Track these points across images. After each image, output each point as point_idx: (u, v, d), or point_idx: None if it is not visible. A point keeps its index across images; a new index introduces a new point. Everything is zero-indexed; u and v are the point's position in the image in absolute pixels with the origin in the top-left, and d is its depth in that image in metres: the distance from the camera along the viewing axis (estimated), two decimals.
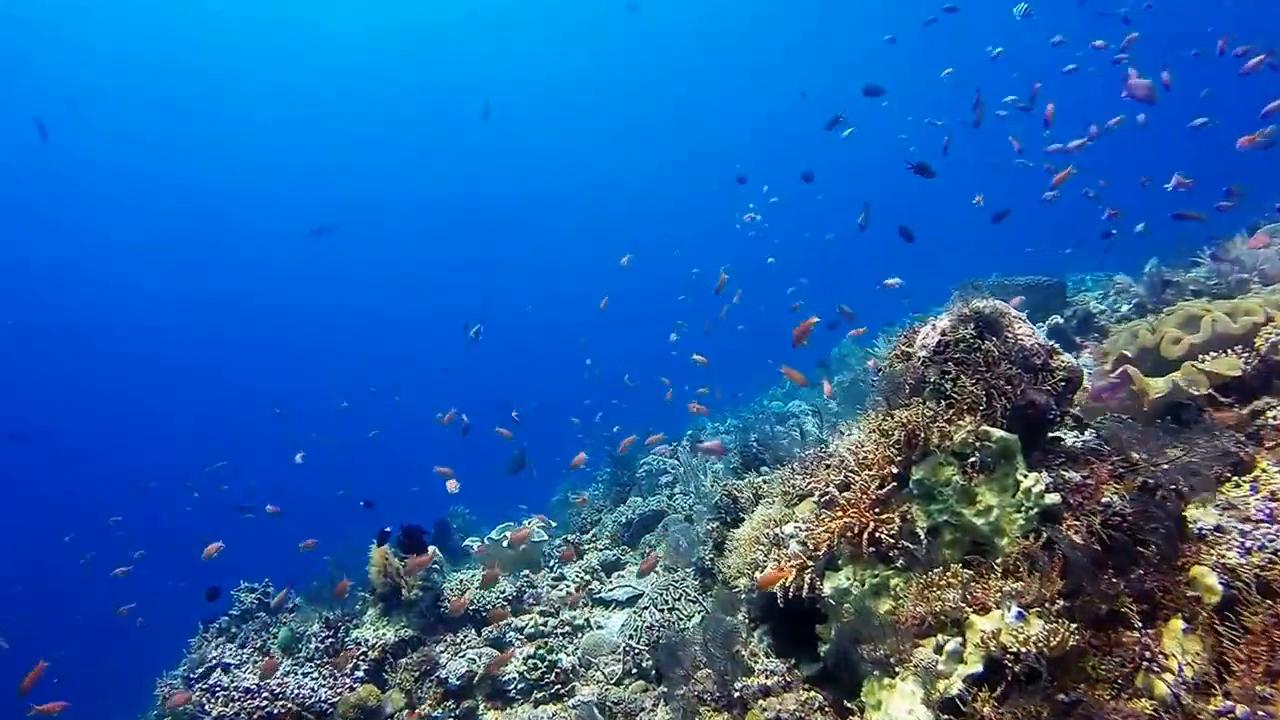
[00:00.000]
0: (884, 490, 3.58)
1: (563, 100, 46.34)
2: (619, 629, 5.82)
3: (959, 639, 3.05)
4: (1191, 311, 5.80)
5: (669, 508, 8.38)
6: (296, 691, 5.64)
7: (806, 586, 3.67)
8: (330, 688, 5.75)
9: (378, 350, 44.27)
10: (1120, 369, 5.20)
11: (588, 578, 6.90)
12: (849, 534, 3.59)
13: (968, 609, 3.08)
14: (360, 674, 5.89)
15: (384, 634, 6.13)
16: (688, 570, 5.90)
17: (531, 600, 6.50)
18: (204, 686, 5.76)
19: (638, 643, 5.35)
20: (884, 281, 8.62)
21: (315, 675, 5.93)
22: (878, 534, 3.51)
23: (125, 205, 43.15)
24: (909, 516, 3.52)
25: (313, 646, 6.28)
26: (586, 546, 7.70)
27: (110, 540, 14.44)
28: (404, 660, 5.89)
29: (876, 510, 3.59)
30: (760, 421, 12.01)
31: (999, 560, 3.29)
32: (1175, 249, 8.97)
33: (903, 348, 4.06)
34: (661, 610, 5.49)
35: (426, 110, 44.33)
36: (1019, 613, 2.93)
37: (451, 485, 6.35)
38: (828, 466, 4.06)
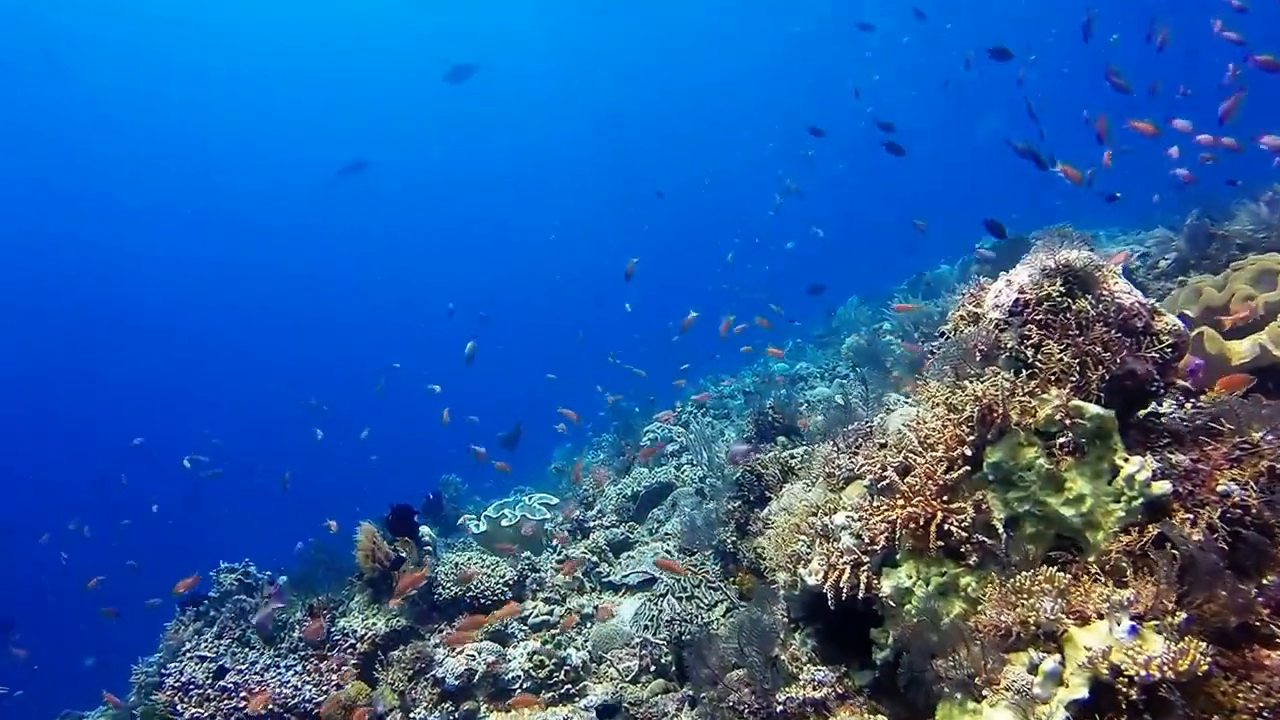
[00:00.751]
0: (954, 475, 3.13)
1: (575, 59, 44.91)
2: (631, 618, 5.41)
3: (1057, 656, 2.61)
4: (1267, 266, 5.34)
5: (677, 479, 7.96)
6: (279, 691, 5.23)
7: (863, 586, 3.22)
8: (315, 685, 5.33)
9: (377, 320, 43.59)
10: (1194, 332, 4.74)
11: (595, 559, 6.47)
12: (912, 525, 3.15)
13: (1066, 620, 2.64)
14: (347, 668, 5.46)
15: (373, 624, 5.70)
16: (706, 554, 5.48)
17: (534, 586, 6.08)
18: (175, 684, 5.33)
19: (655, 635, 4.93)
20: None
21: (299, 669, 5.51)
22: (946, 525, 3.07)
23: (111, 166, 41.71)
24: (984, 506, 3.07)
25: (295, 636, 5.86)
26: (592, 524, 7.28)
27: (99, 524, 14.10)
28: (395, 654, 5.46)
29: (944, 498, 3.14)
30: (768, 384, 11.61)
31: (1092, 559, 2.86)
32: (1206, 201, 8.49)
33: (969, 307, 3.59)
34: (679, 598, 5.07)
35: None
36: (1132, 627, 2.49)
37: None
38: (882, 446, 3.59)
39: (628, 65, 45.20)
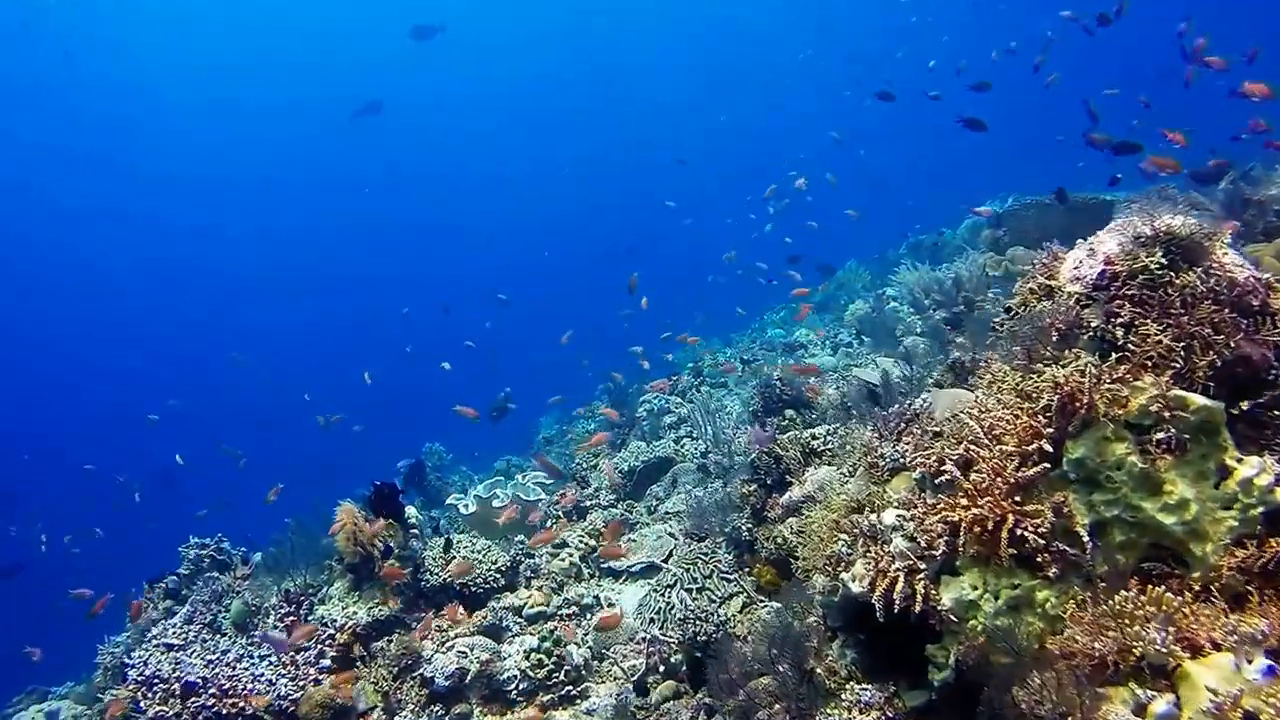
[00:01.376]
0: (1028, 472, 2.72)
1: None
2: (635, 609, 5.01)
3: (1169, 696, 2.21)
4: None
5: (677, 454, 7.55)
6: (251, 686, 4.80)
7: (920, 598, 2.82)
8: (291, 679, 4.92)
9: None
10: None
11: (593, 543, 6.06)
12: (978, 529, 2.75)
13: (1180, 651, 2.24)
14: (326, 662, 5.04)
15: (355, 612, 5.28)
16: (718, 540, 5.08)
17: (529, 573, 5.66)
18: (139, 678, 4.89)
19: (663, 631, 4.53)
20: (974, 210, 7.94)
21: (273, 661, 5.09)
22: (1020, 531, 2.66)
23: (83, 124, 40.22)
24: (1065, 509, 2.66)
25: (270, 623, 5.44)
26: (588, 503, 6.85)
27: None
28: (379, 646, 5.04)
29: (1016, 498, 2.73)
30: (761, 351, 11.21)
31: (1198, 575, 2.47)
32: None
33: (1042, 279, 3.16)
34: (689, 590, 4.67)
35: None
36: (1269, 666, 2.09)
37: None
38: (936, 434, 3.18)
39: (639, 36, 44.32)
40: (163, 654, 5.20)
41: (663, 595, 4.80)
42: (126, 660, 5.26)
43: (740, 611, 4.44)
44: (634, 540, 5.94)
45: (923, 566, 2.90)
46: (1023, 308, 3.19)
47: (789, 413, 6.16)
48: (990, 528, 2.73)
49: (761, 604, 4.44)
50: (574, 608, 5.26)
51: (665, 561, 5.45)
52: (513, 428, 11.75)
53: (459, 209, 49.72)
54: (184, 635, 5.48)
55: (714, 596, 4.60)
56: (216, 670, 4.93)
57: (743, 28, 43.13)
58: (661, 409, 9.02)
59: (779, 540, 4.50)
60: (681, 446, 7.72)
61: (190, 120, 42.04)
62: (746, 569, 4.74)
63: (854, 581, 3.08)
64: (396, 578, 5.22)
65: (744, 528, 4.83)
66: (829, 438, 4.77)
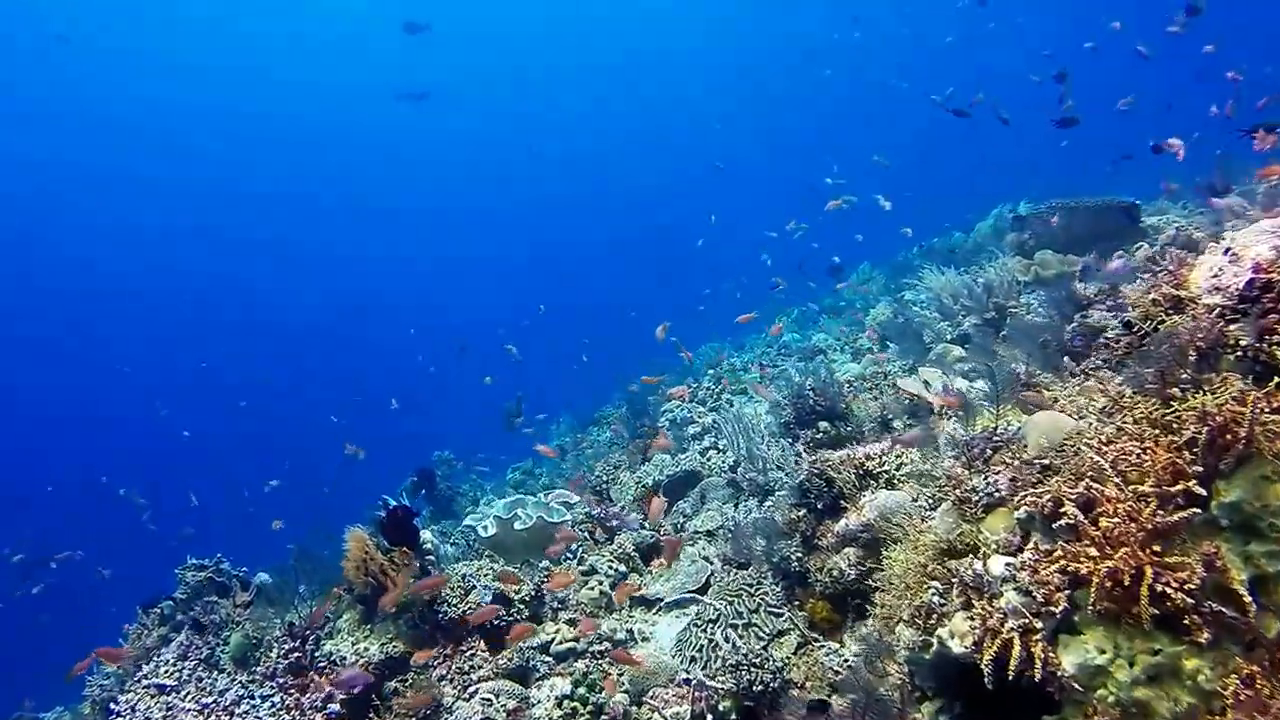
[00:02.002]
0: (1170, 517, 2.30)
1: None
2: (673, 645, 4.57)
3: None
4: None
5: (704, 468, 7.10)
6: None
7: (1040, 662, 2.40)
8: None
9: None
10: None
11: (623, 568, 5.61)
12: (1110, 584, 2.32)
13: None
14: (335, 706, 4.60)
15: (366, 648, 4.85)
16: (763, 569, 4.63)
17: (556, 604, 5.21)
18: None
19: (709, 673, 4.09)
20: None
21: (276, 703, 4.66)
22: (1162, 586, 2.24)
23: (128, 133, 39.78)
24: (1217, 562, 2.24)
25: (273, 658, 5.00)
26: (614, 522, 6.40)
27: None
28: (394, 688, 4.59)
29: (1155, 548, 2.32)
30: (779, 356, 10.81)
31: None
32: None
33: (1168, 289, 2.73)
34: (735, 626, 4.23)
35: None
36: None
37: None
38: (1045, 468, 2.75)
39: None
40: (153, 697, 4.77)
41: (704, 631, 4.37)
42: (113, 705, 4.82)
43: (795, 653, 4.01)
44: (666, 566, 5.50)
45: (1039, 625, 2.48)
46: (1146, 322, 2.76)
47: (823, 425, 5.73)
48: (1128, 583, 2.31)
49: (818, 644, 4.02)
50: (606, 644, 4.81)
51: (703, 592, 5.01)
52: (525, 436, 11.36)
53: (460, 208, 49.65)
54: (177, 674, 5.06)
55: (762, 634, 4.17)
56: (212, 717, 4.50)
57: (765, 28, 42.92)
58: (684, 419, 8.58)
59: (835, 572, 4.08)
60: (708, 459, 7.28)
61: (196, 122, 41.73)
62: (797, 603, 4.32)
63: (954, 639, 2.66)
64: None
65: (793, 557, 4.41)
66: (885, 457, 4.34)
